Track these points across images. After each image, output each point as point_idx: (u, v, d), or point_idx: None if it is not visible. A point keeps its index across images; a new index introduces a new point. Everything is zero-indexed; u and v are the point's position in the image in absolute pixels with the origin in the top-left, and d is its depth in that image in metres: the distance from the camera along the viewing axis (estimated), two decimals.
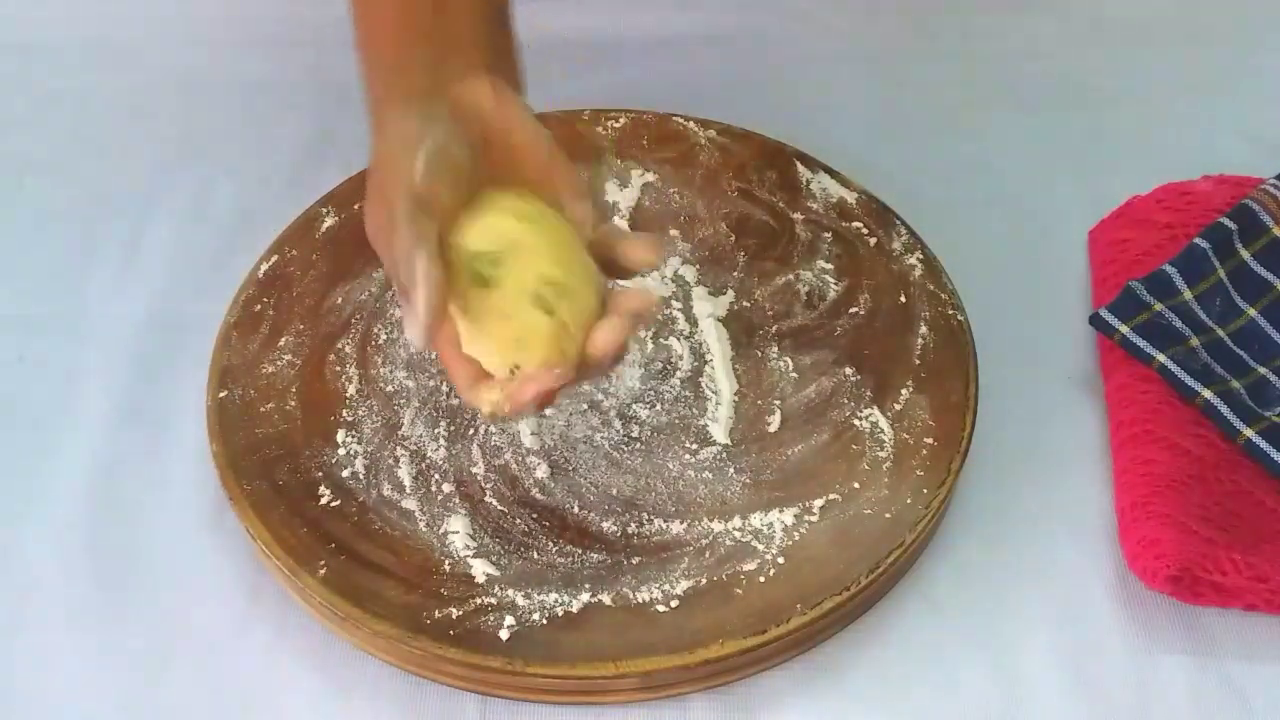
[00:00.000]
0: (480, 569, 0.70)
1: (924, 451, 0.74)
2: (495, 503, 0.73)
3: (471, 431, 0.76)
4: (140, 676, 0.69)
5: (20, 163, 0.93)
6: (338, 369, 0.78)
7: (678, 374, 0.79)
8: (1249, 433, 0.75)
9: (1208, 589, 0.70)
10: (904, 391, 0.77)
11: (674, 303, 0.82)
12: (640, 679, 0.67)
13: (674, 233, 0.85)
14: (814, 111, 0.96)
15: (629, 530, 0.72)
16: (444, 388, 0.77)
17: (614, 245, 0.67)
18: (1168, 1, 1.05)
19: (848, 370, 0.78)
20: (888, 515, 0.72)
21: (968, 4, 1.05)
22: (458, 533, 0.71)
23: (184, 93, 0.98)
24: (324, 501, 0.72)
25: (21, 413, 0.80)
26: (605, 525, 0.72)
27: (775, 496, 0.73)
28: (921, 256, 0.83)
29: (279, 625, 0.71)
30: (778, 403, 0.77)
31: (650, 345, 0.80)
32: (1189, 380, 0.77)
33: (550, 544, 0.71)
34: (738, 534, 0.72)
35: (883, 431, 0.75)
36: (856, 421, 0.76)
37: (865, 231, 0.85)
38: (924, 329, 0.80)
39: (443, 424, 0.76)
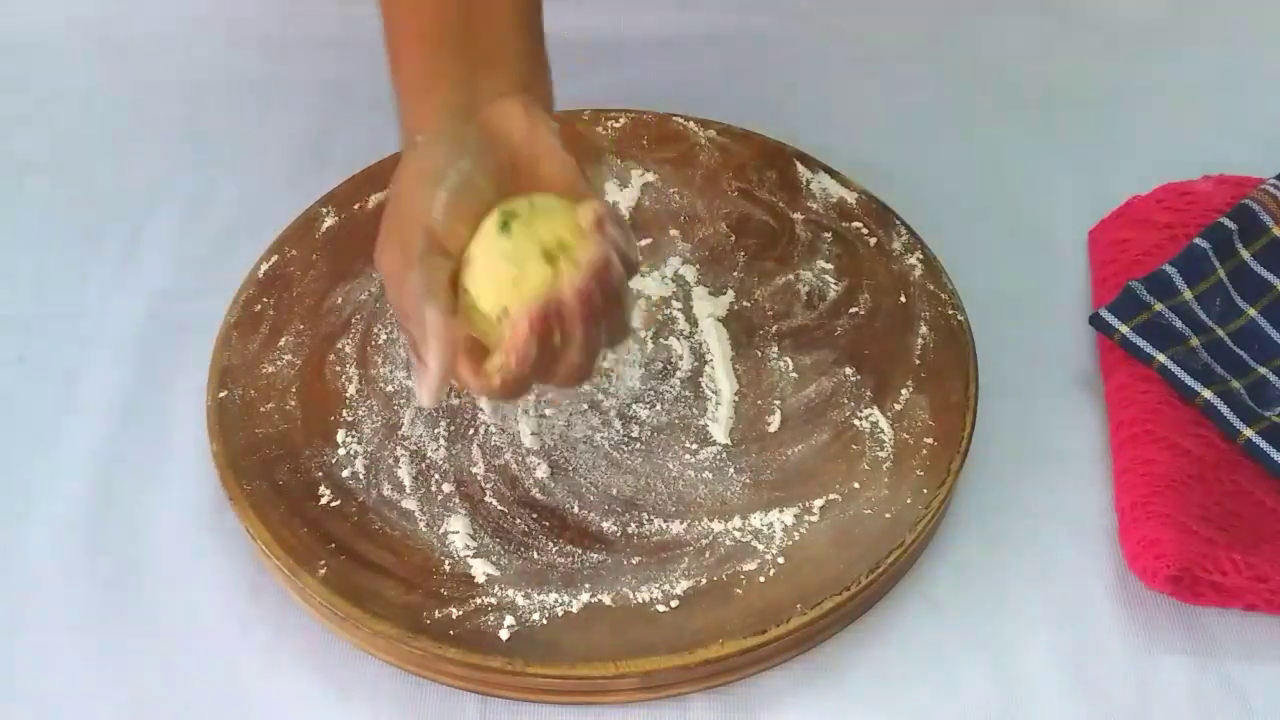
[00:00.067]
0: (480, 569, 0.70)
1: (924, 451, 0.74)
2: (495, 503, 0.73)
3: (471, 431, 0.76)
4: (140, 676, 0.69)
5: (20, 163, 0.93)
6: (338, 369, 0.78)
7: (678, 374, 0.79)
8: (1249, 433, 0.75)
9: (1208, 589, 0.70)
10: (904, 391, 0.77)
11: (674, 303, 0.82)
12: (640, 679, 0.67)
13: (674, 233, 0.85)
14: (814, 111, 0.96)
15: (629, 530, 0.72)
16: None
17: None
18: (1168, 2, 1.05)
19: (848, 370, 0.78)
20: (888, 515, 0.72)
21: (968, 4, 1.04)
22: (458, 533, 0.71)
23: (184, 93, 0.98)
24: (324, 501, 0.72)
25: (21, 413, 0.80)
26: (605, 525, 0.72)
27: (775, 496, 0.73)
28: (921, 256, 0.83)
29: (279, 625, 0.71)
30: (778, 403, 0.77)
31: (650, 345, 0.80)
32: (1189, 380, 0.77)
33: (550, 544, 0.71)
34: (738, 534, 0.72)
35: (883, 431, 0.75)
36: (856, 421, 0.76)
37: (865, 231, 0.85)
38: (924, 329, 0.80)
39: (443, 424, 0.76)
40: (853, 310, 0.81)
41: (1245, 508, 0.74)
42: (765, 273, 0.83)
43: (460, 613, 0.68)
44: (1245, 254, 0.83)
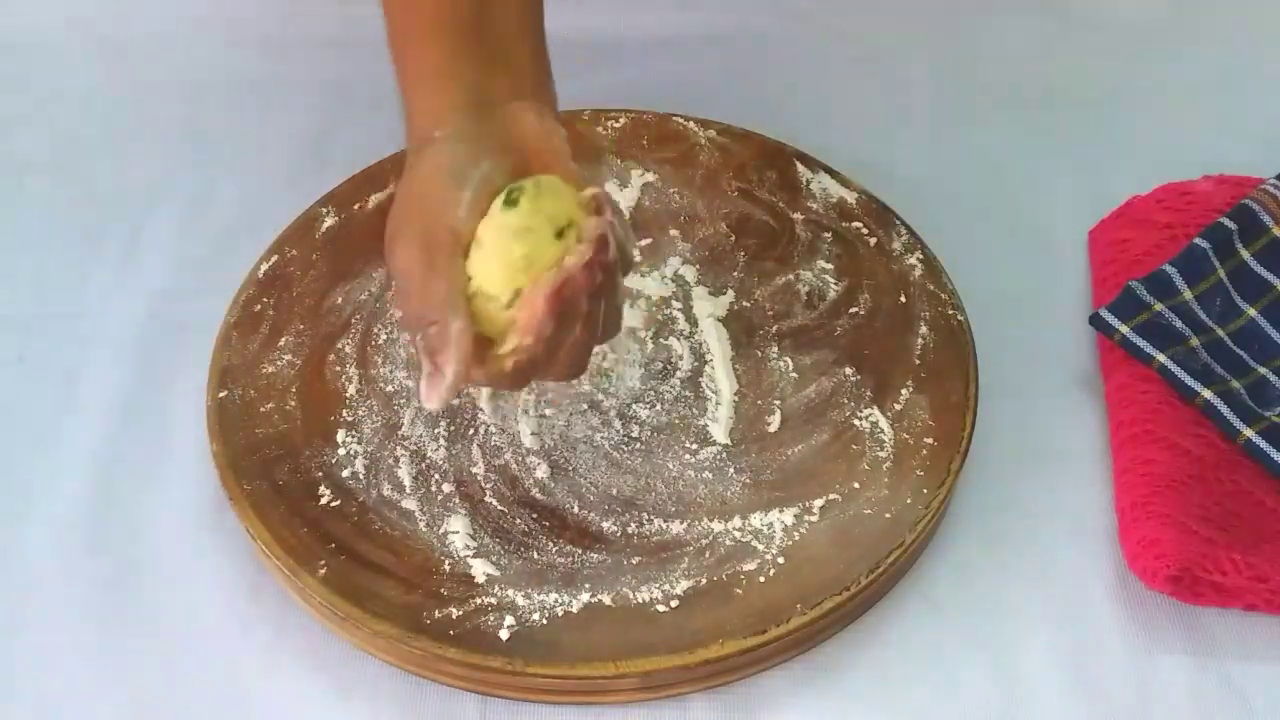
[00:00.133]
0: (480, 569, 0.70)
1: (924, 451, 0.74)
2: (495, 503, 0.73)
3: (471, 431, 0.76)
4: (140, 676, 0.69)
5: (20, 163, 0.93)
6: (338, 369, 0.78)
7: (678, 374, 0.79)
8: (1249, 433, 0.75)
9: (1208, 589, 0.70)
10: (904, 391, 0.77)
11: (674, 303, 0.82)
12: (640, 679, 0.67)
13: (674, 233, 0.85)
14: (814, 111, 0.96)
15: (629, 530, 0.72)
16: None
17: None
18: (1168, 2, 1.05)
19: (848, 370, 0.78)
20: (888, 515, 0.72)
21: (968, 4, 1.04)
22: (458, 533, 0.71)
23: (184, 93, 0.98)
24: (324, 501, 0.72)
25: (21, 413, 0.80)
26: (605, 525, 0.72)
27: (775, 496, 0.73)
28: (921, 256, 0.83)
29: (279, 625, 0.71)
30: (778, 403, 0.77)
31: (650, 345, 0.80)
32: (1189, 380, 0.77)
33: (550, 544, 0.71)
34: (738, 534, 0.72)
35: (883, 431, 0.75)
36: (856, 421, 0.76)
37: (865, 231, 0.85)
38: (924, 329, 0.80)
39: (443, 424, 0.76)
40: (853, 310, 0.81)
41: (1245, 508, 0.74)
42: (765, 273, 0.83)
43: (460, 613, 0.68)
44: (1245, 254, 0.83)
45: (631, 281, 0.82)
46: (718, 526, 0.72)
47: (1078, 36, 1.03)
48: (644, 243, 0.84)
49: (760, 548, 0.71)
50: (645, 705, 0.68)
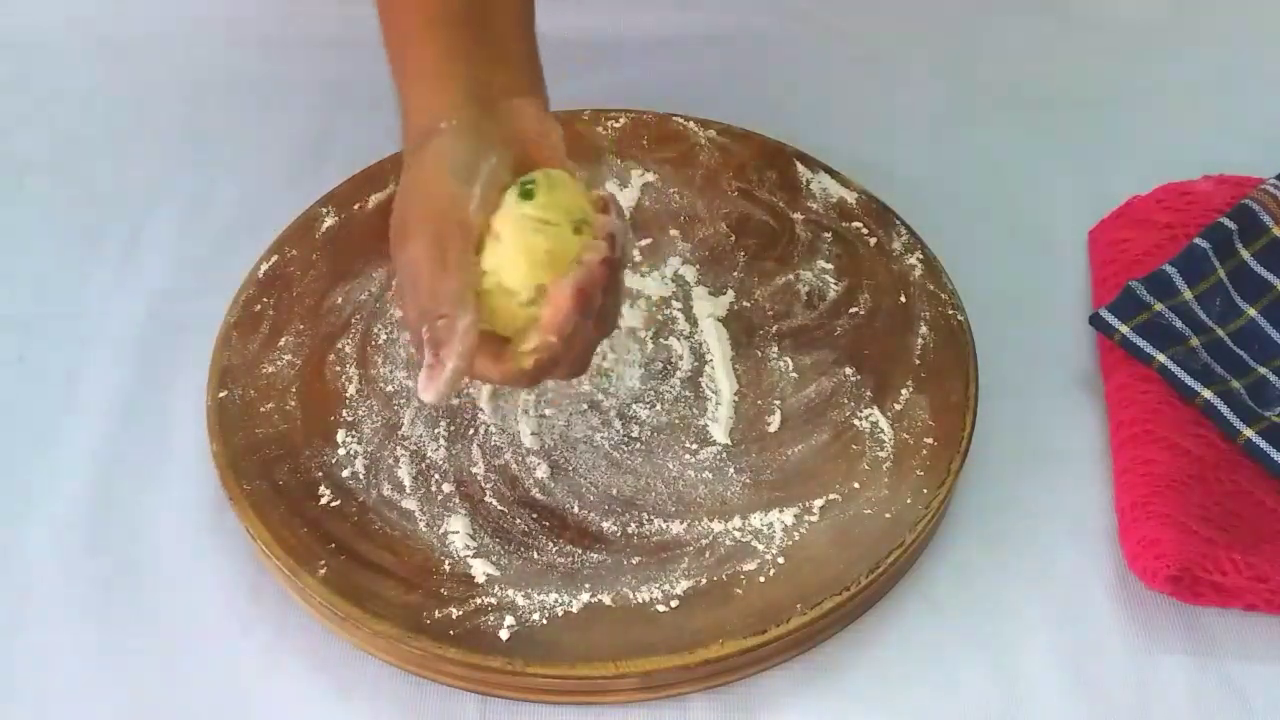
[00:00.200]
0: (480, 569, 0.70)
1: (924, 451, 0.74)
2: (495, 503, 0.73)
3: (471, 432, 0.76)
4: (140, 676, 0.69)
5: (20, 163, 0.93)
6: (338, 369, 0.78)
7: (678, 374, 0.79)
8: (1249, 433, 0.75)
9: (1208, 589, 0.70)
10: (904, 391, 0.77)
11: (674, 303, 0.82)
12: (640, 679, 0.67)
13: (674, 233, 0.85)
14: (814, 111, 0.96)
15: (629, 530, 0.72)
16: None
17: None
18: (1168, 2, 1.05)
19: (848, 370, 0.78)
20: (888, 515, 0.72)
21: (968, 4, 1.04)
22: (458, 533, 0.71)
23: (184, 93, 0.98)
24: (324, 501, 0.72)
25: (21, 413, 0.80)
26: (605, 525, 0.72)
27: (775, 496, 0.73)
28: (921, 256, 0.83)
29: (279, 625, 0.71)
30: (778, 403, 0.77)
31: (650, 345, 0.80)
32: (1189, 380, 0.77)
33: (550, 544, 0.71)
34: (738, 534, 0.72)
35: (883, 431, 0.75)
36: (856, 421, 0.76)
37: (865, 231, 0.85)
38: (924, 329, 0.80)
39: (443, 424, 0.76)
40: (853, 310, 0.81)
41: (1245, 508, 0.74)
42: (765, 273, 0.83)
43: (460, 613, 0.68)
44: (1245, 254, 0.83)
45: (631, 281, 0.82)
46: (718, 526, 0.72)
47: (1078, 36, 1.03)
48: (644, 243, 0.84)
49: (760, 548, 0.71)
50: (645, 705, 0.68)
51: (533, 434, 0.75)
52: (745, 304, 0.82)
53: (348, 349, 0.79)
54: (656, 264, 0.84)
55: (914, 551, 0.72)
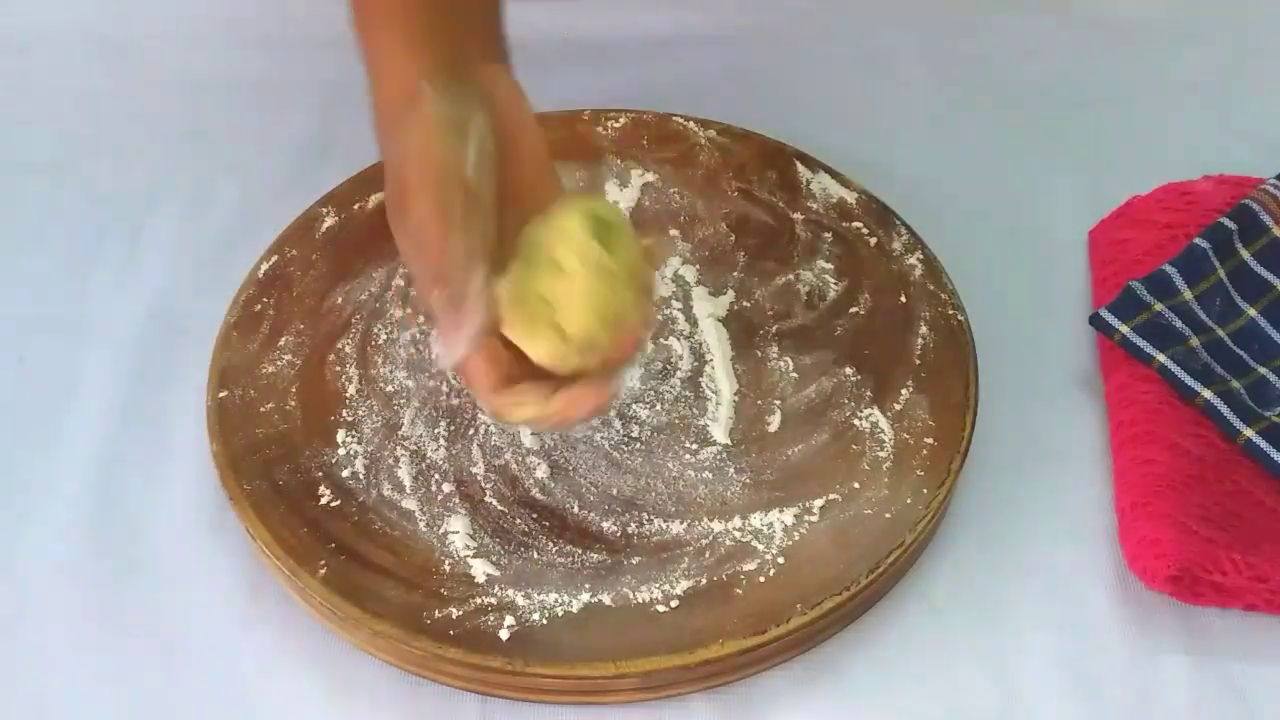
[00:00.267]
0: (480, 569, 0.70)
1: (924, 451, 0.74)
2: (495, 503, 0.73)
3: (471, 431, 0.76)
4: (140, 676, 0.69)
5: (20, 163, 0.93)
6: (338, 369, 0.78)
7: (678, 374, 0.79)
8: (1249, 433, 0.75)
9: (1208, 589, 0.70)
10: (904, 391, 0.77)
11: (674, 303, 0.82)
12: (640, 679, 0.67)
13: (674, 233, 0.85)
14: (814, 111, 0.96)
15: (629, 530, 0.72)
16: (444, 388, 0.77)
17: None
18: (1167, 2, 1.05)
19: (848, 370, 0.78)
20: (888, 515, 0.72)
21: (968, 4, 1.04)
22: (458, 533, 0.71)
23: (184, 93, 0.98)
24: (324, 501, 0.72)
25: (21, 413, 0.80)
26: (605, 525, 0.72)
27: (775, 496, 0.73)
28: (921, 256, 0.83)
29: (279, 625, 0.71)
30: (778, 403, 0.77)
31: (650, 345, 0.80)
32: (1189, 380, 0.77)
33: (550, 544, 0.71)
34: (738, 534, 0.72)
35: (883, 431, 0.75)
36: (856, 421, 0.76)
37: (865, 231, 0.85)
38: (924, 329, 0.80)
39: (443, 424, 0.76)
40: (853, 310, 0.81)
41: (1245, 508, 0.74)
42: (765, 273, 0.83)
43: (460, 613, 0.68)
44: (1245, 254, 0.83)
45: None
46: (718, 526, 0.72)
47: (1078, 36, 1.03)
48: (644, 243, 0.84)
49: (760, 548, 0.71)
50: (645, 705, 0.68)
51: (533, 434, 0.75)
52: (745, 304, 0.82)
53: (348, 349, 0.79)
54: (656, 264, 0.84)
55: (914, 551, 0.72)
